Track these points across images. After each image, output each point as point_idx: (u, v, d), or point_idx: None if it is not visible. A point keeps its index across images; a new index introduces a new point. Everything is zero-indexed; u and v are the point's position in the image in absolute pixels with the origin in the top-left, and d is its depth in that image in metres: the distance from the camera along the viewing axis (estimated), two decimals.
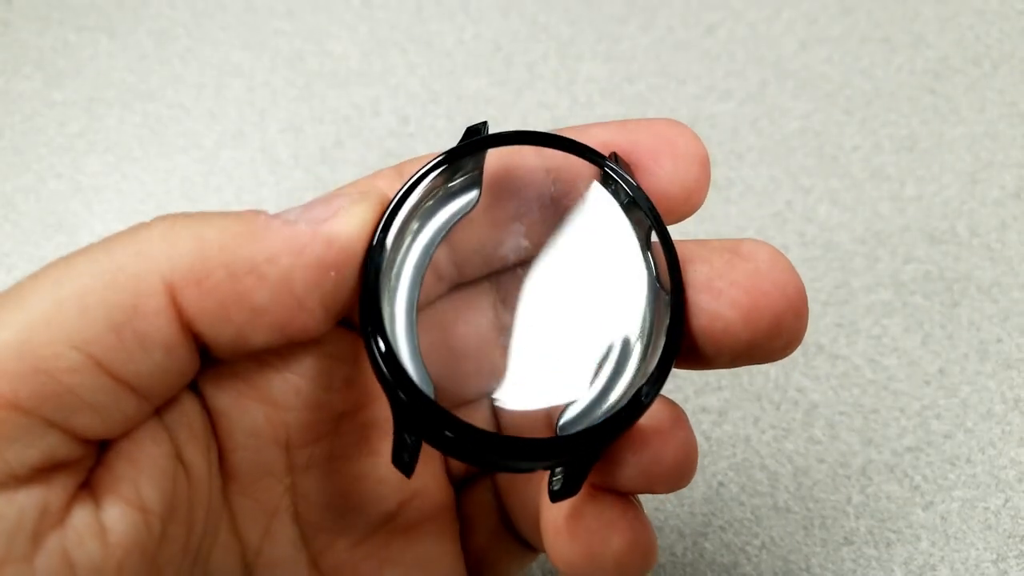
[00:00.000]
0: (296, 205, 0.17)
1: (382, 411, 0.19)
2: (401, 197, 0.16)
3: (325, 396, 0.18)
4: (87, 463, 0.15)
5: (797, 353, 0.30)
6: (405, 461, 0.16)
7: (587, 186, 0.18)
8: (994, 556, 0.26)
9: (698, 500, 0.28)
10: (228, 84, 0.39)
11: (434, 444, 0.16)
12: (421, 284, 0.17)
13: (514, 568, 0.21)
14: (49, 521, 0.14)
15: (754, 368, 0.30)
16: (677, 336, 0.16)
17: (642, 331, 0.17)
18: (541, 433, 0.17)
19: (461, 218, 0.18)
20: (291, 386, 0.18)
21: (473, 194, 0.18)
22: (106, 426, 0.15)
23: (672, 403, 0.17)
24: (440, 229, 0.18)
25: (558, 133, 0.18)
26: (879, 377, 0.30)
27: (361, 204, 0.16)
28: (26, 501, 0.14)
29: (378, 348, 0.15)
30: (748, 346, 0.16)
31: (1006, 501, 0.27)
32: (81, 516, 0.15)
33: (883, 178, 0.35)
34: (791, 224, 0.34)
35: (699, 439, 0.29)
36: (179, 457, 0.17)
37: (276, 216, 0.16)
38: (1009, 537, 0.27)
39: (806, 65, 0.39)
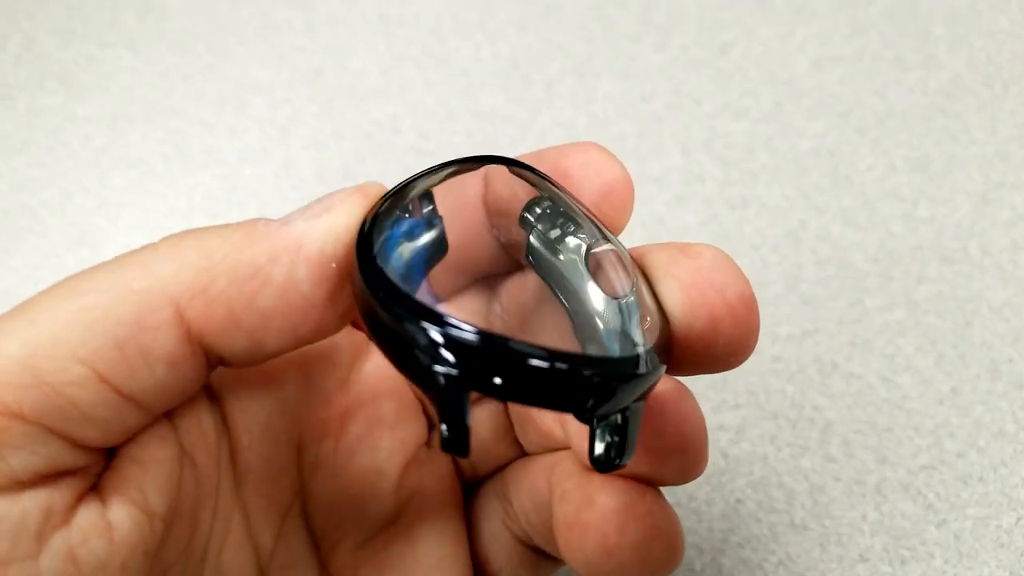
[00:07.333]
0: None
1: (384, 407, 0.19)
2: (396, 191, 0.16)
3: (331, 392, 0.19)
4: (95, 469, 0.16)
5: (813, 371, 0.31)
6: (456, 437, 0.13)
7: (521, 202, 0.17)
8: (1007, 574, 0.27)
9: (716, 517, 0.28)
10: (249, 100, 0.39)
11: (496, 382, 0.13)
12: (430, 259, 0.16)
13: None
14: (54, 521, 0.15)
15: (771, 387, 0.30)
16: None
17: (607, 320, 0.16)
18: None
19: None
20: (300, 384, 0.18)
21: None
22: (107, 437, 0.15)
23: (674, 379, 0.17)
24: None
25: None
26: (893, 396, 0.30)
27: (355, 196, 0.16)
28: (30, 503, 0.14)
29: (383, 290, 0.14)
30: (685, 347, 0.16)
31: (1018, 519, 0.28)
32: (87, 515, 0.15)
33: (896, 198, 0.36)
34: (805, 243, 0.34)
35: (717, 457, 0.29)
36: (186, 458, 0.17)
37: (275, 220, 0.16)
38: (1022, 555, 0.27)
39: (819, 85, 0.39)
